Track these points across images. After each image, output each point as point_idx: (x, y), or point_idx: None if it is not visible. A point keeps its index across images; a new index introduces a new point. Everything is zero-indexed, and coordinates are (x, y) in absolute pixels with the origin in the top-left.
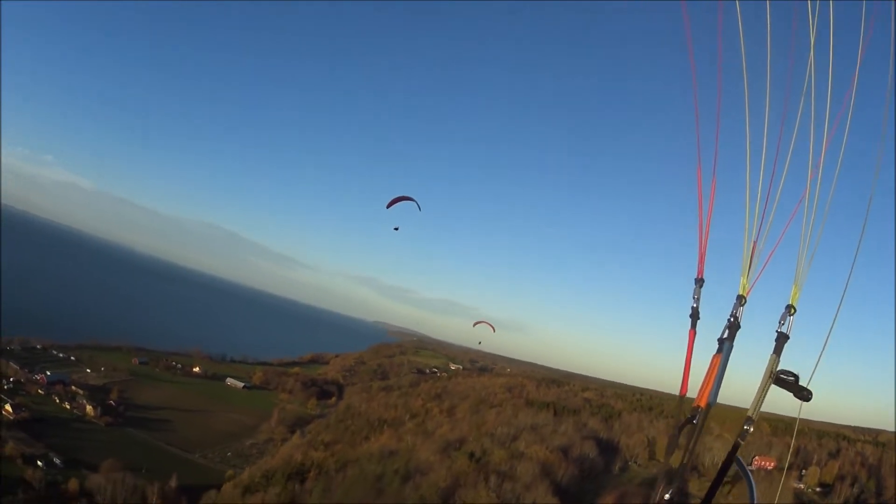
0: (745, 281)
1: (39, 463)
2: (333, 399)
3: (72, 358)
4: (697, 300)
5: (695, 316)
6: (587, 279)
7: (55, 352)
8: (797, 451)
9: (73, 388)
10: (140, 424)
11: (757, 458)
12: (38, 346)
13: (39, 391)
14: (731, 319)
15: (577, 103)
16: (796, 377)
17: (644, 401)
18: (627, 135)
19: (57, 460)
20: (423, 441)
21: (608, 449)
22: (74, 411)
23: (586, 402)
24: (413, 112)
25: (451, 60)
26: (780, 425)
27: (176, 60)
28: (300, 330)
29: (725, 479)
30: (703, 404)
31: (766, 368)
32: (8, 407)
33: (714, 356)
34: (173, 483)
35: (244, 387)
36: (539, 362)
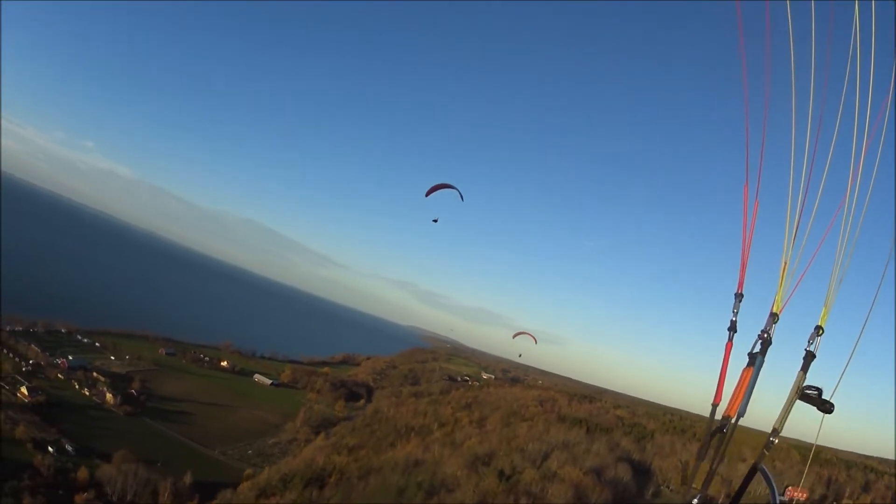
0: (779, 299)
1: (50, 449)
2: (362, 402)
3: (96, 344)
4: (736, 314)
5: (733, 329)
6: (622, 295)
7: (80, 337)
8: (828, 483)
9: (95, 374)
10: (160, 416)
11: (790, 488)
12: (63, 330)
13: (59, 375)
14: (765, 335)
15: (629, 121)
16: (820, 391)
17: (676, 422)
18: (669, 154)
19: (69, 447)
20: (451, 453)
21: (641, 472)
22: (93, 398)
23: (619, 421)
24: (462, 117)
25: (512, 70)
26: (809, 454)
27: (227, 56)
28: (332, 329)
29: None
30: (732, 414)
31: (794, 384)
32: (24, 389)
33: (744, 369)
34: (188, 479)
35: (272, 384)
36: (571, 376)
